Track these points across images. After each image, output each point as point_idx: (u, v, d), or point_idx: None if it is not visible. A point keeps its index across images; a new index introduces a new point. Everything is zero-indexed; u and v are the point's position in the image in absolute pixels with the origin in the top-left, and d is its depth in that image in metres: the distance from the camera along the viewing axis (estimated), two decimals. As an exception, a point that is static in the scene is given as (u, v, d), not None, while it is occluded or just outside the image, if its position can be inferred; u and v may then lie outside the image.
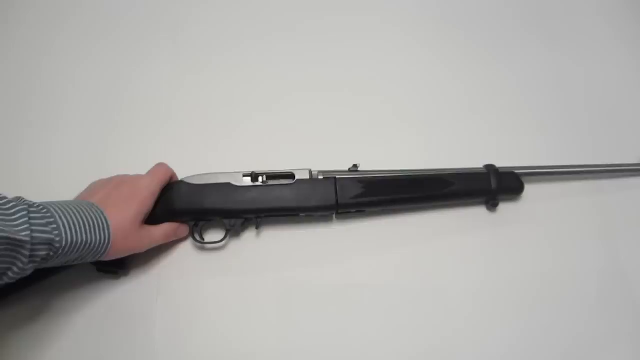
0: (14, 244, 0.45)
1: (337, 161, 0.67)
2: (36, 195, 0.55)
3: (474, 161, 0.69)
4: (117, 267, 0.62)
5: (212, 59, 0.78)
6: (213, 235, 0.66)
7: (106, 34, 0.80)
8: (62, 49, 0.79)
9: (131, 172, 0.63)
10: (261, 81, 0.77)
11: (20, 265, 0.46)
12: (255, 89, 0.76)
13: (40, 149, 0.72)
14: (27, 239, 0.46)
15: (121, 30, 0.80)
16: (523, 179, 0.68)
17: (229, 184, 0.63)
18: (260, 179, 0.64)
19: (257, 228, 0.65)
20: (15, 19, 0.81)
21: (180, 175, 0.65)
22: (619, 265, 0.66)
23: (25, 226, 0.46)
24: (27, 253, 0.46)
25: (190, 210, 0.63)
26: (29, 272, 0.48)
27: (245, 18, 0.81)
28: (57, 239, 0.49)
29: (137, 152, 0.71)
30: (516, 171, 0.67)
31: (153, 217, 0.61)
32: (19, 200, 0.48)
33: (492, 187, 0.66)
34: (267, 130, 0.73)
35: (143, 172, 0.63)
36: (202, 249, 0.66)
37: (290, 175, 0.64)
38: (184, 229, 0.65)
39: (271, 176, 0.64)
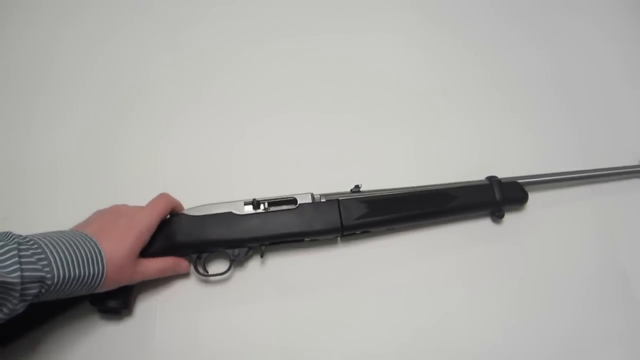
0: (4, 286, 0.43)
1: (338, 183, 0.66)
2: (40, 194, 0.65)
3: (474, 170, 0.69)
4: (121, 307, 0.60)
5: (211, 81, 0.77)
6: (217, 267, 0.64)
7: (108, 39, 0.80)
8: (67, 50, 0.79)
9: (131, 176, 0.62)
10: (258, 104, 0.76)
11: (10, 306, 0.45)
12: (252, 114, 0.75)
13: (44, 150, 0.72)
14: (17, 280, 0.44)
15: (125, 36, 0.80)
16: (526, 187, 0.67)
17: (230, 213, 0.62)
18: (262, 206, 0.62)
19: (261, 257, 0.64)
20: (20, 19, 0.81)
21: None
22: (624, 270, 0.66)
23: (16, 267, 0.44)
24: (17, 295, 0.45)
25: (192, 243, 0.61)
26: (20, 311, 0.47)
27: (244, 36, 0.81)
28: (49, 275, 0.47)
29: (140, 158, 0.71)
30: (518, 181, 0.67)
31: (152, 251, 0.60)
32: (7, 237, 0.46)
33: (497, 198, 0.66)
34: (266, 156, 0.72)
35: (144, 183, 0.63)
36: (206, 281, 0.64)
37: (293, 201, 0.63)
38: (184, 265, 0.63)
39: (273, 202, 0.63)
